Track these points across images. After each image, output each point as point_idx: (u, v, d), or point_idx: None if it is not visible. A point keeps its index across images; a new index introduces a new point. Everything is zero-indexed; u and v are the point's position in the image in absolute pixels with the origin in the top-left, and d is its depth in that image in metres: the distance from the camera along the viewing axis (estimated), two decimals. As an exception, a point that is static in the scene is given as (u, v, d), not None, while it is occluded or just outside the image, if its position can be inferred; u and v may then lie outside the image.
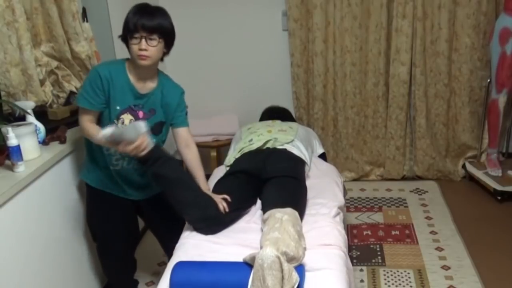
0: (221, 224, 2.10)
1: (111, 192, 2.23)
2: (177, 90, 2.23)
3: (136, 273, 2.66)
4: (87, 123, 2.07)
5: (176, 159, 2.24)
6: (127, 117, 2.10)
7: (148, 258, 2.87)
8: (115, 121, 2.09)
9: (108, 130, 1.96)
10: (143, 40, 1.98)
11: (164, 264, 2.77)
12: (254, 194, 2.33)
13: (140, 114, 2.15)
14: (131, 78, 2.09)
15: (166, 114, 2.21)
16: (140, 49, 1.98)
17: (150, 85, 2.13)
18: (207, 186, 2.27)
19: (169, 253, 2.11)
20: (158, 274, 2.70)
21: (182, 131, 2.25)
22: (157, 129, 2.22)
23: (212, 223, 2.08)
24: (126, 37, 2.02)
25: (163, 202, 2.21)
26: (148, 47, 1.99)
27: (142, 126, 2.02)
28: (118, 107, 2.08)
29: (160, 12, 2.05)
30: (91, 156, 2.21)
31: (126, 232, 2.38)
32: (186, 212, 2.10)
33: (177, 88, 2.25)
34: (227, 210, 2.10)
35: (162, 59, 2.13)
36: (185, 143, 2.26)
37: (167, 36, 2.06)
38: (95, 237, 2.38)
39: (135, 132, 2.00)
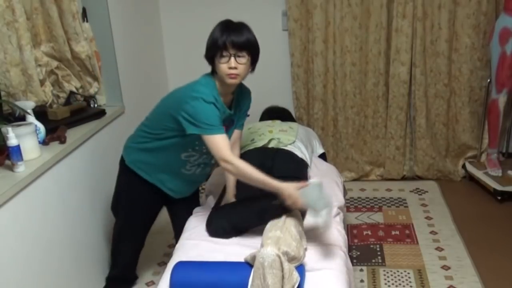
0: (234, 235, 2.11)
1: (155, 183, 2.23)
2: (249, 93, 2.24)
3: (136, 272, 2.67)
4: (236, 157, 1.99)
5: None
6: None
7: (148, 258, 2.87)
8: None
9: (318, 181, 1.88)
10: (232, 58, 1.93)
11: (164, 264, 2.77)
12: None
13: (225, 127, 2.10)
14: (222, 97, 2.05)
15: (238, 119, 2.22)
16: (230, 68, 1.94)
17: (230, 98, 2.11)
18: (234, 191, 2.26)
19: (178, 230, 2.17)
20: (158, 274, 2.70)
21: (235, 132, 2.25)
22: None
23: (230, 235, 2.09)
24: (212, 55, 1.97)
25: (193, 198, 2.32)
26: (238, 65, 1.94)
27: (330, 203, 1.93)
28: None
29: (246, 27, 2.01)
30: (157, 155, 2.16)
31: (149, 219, 2.42)
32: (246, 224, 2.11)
33: (247, 91, 2.24)
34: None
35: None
36: (233, 143, 2.22)
37: (255, 52, 2.02)
38: (117, 215, 2.41)
39: (324, 203, 1.89)
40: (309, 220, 2.02)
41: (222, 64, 1.94)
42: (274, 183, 1.89)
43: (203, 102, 1.93)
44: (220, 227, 2.07)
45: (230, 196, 2.24)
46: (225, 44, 1.92)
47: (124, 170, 2.27)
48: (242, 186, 2.19)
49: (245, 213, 2.10)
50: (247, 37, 1.97)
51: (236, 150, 2.28)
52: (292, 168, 2.40)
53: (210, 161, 2.25)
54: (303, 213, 2.09)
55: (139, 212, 2.34)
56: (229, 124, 2.16)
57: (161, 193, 2.28)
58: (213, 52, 1.96)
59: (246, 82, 2.16)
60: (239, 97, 2.16)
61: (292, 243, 1.78)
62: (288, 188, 1.88)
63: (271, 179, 1.90)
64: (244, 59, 1.96)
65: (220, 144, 1.93)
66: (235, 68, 1.94)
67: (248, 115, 2.29)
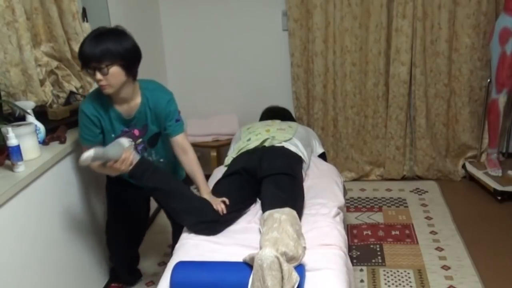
0: (221, 225, 2.11)
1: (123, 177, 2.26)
2: (163, 99, 2.15)
3: (140, 269, 2.69)
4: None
5: (164, 170, 2.25)
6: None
7: (148, 258, 2.87)
8: None
9: (89, 152, 1.92)
10: (96, 71, 1.93)
11: (164, 264, 2.77)
12: (252, 193, 2.33)
13: (136, 132, 2.17)
14: (116, 105, 2.09)
15: (159, 125, 2.20)
16: (97, 80, 1.95)
17: (135, 103, 2.11)
18: (207, 188, 2.27)
19: (177, 240, 2.14)
20: (158, 274, 2.70)
21: (177, 139, 2.22)
22: (154, 142, 2.25)
23: (211, 225, 2.09)
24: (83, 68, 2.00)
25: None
26: (104, 77, 1.93)
27: (125, 141, 2.05)
28: (113, 135, 2.13)
29: (109, 34, 1.95)
30: None
31: (133, 213, 2.45)
32: (183, 219, 2.13)
33: (163, 96, 2.16)
34: (225, 212, 2.11)
35: (134, 78, 2.06)
36: (182, 149, 2.24)
37: (121, 59, 1.95)
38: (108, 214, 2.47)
39: (118, 149, 2.01)
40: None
41: (92, 77, 1.98)
42: (82, 159, 1.96)
43: (79, 111, 2.11)
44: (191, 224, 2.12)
45: (205, 193, 2.24)
46: (83, 58, 1.93)
47: (108, 180, 2.38)
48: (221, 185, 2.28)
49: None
50: (106, 47, 1.92)
51: (190, 153, 2.25)
52: (281, 164, 2.36)
53: (155, 158, 2.29)
54: (299, 213, 2.10)
55: (120, 205, 2.40)
56: (142, 130, 2.18)
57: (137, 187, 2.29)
58: (81, 65, 1.99)
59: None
60: (150, 105, 2.13)
61: (289, 242, 1.77)
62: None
63: None
64: (109, 70, 1.93)
65: (84, 149, 2.04)
66: (101, 80, 1.94)
67: (178, 120, 2.20)
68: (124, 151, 2.02)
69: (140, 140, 2.21)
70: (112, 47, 1.93)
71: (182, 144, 2.23)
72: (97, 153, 1.94)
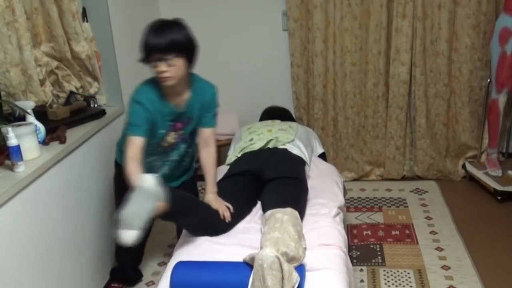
0: (222, 231, 2.11)
1: None
2: (210, 91, 2.19)
3: (141, 270, 2.68)
4: (135, 157, 2.00)
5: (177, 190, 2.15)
6: (170, 136, 2.15)
7: (148, 258, 2.87)
8: (161, 143, 2.14)
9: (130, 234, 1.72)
10: (159, 62, 1.92)
11: (164, 264, 2.77)
12: (254, 196, 2.34)
13: (179, 125, 2.15)
14: (167, 97, 2.06)
15: (199, 117, 2.20)
16: (160, 72, 1.94)
17: (185, 96, 2.11)
18: (214, 187, 2.26)
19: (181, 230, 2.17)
20: (158, 274, 2.70)
21: (206, 131, 2.24)
22: (194, 134, 2.26)
23: (217, 233, 2.10)
24: (143, 60, 1.98)
25: (191, 186, 2.35)
26: (168, 68, 1.93)
27: (157, 191, 1.80)
28: (162, 131, 2.11)
29: (171, 27, 1.96)
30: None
31: None
32: (191, 230, 2.13)
33: (210, 88, 2.19)
34: (229, 219, 2.11)
35: (191, 71, 2.07)
36: (206, 142, 2.25)
37: (185, 51, 1.97)
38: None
39: (152, 198, 1.79)
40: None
41: (154, 69, 1.96)
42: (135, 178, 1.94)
43: (133, 102, 2.03)
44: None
45: (210, 192, 2.22)
46: (149, 49, 1.92)
47: (119, 170, 2.32)
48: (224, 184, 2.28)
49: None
50: (171, 38, 1.92)
51: (211, 148, 2.26)
52: (287, 168, 2.37)
53: (180, 158, 2.29)
54: (301, 214, 2.10)
55: None
56: (186, 122, 2.17)
57: None
58: (143, 56, 1.96)
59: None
60: (199, 97, 2.15)
61: (290, 243, 1.77)
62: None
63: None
64: (173, 61, 1.94)
65: (131, 144, 2.01)
66: (165, 71, 1.93)
67: (215, 113, 2.23)
68: (158, 200, 1.82)
69: (182, 132, 2.21)
70: (178, 38, 1.95)
71: (208, 137, 2.25)
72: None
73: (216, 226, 2.09)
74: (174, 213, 1.96)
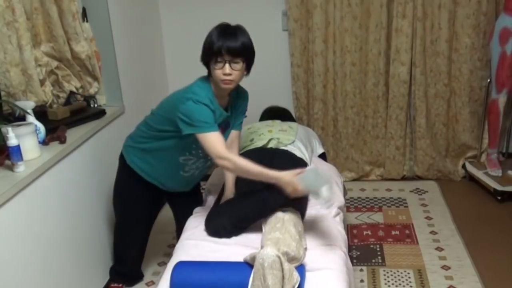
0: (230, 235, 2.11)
1: (153, 182, 2.27)
2: (244, 94, 2.22)
3: (142, 270, 2.69)
4: (230, 150, 2.04)
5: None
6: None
7: (148, 258, 2.87)
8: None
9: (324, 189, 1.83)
10: (227, 64, 1.93)
11: (164, 264, 2.77)
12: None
13: (220, 130, 2.11)
14: (218, 99, 2.06)
15: (233, 119, 2.21)
16: (225, 74, 1.94)
17: (227, 100, 2.13)
18: (233, 189, 2.26)
19: (181, 230, 2.16)
20: (158, 274, 2.70)
21: (233, 132, 2.25)
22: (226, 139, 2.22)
23: (231, 234, 2.09)
24: (208, 60, 1.97)
25: (195, 195, 2.34)
26: (232, 71, 1.94)
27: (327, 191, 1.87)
28: None
29: (242, 31, 1.99)
30: (157, 157, 2.20)
31: (148, 215, 2.45)
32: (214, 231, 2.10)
33: (244, 91, 2.23)
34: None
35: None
36: (231, 142, 2.25)
37: (250, 57, 2.01)
38: (116, 210, 2.45)
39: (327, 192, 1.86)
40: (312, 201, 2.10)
41: (217, 70, 1.94)
42: (272, 173, 1.90)
43: (197, 102, 1.95)
44: (220, 225, 2.07)
45: (229, 193, 2.24)
46: (220, 50, 1.91)
47: (124, 167, 2.31)
48: (242, 183, 2.20)
49: (246, 206, 2.09)
50: (242, 42, 1.95)
51: (235, 149, 2.28)
52: (291, 167, 2.38)
53: (207, 164, 2.28)
54: (302, 214, 2.10)
55: (136, 207, 2.39)
56: (226, 126, 2.17)
57: (160, 190, 2.33)
58: (209, 57, 1.95)
59: (246, 80, 2.16)
60: (235, 99, 2.17)
61: (291, 243, 1.78)
62: (286, 176, 1.89)
63: (269, 170, 1.91)
64: (239, 65, 1.95)
65: (215, 141, 1.93)
66: (230, 74, 1.94)
67: (246, 116, 2.29)
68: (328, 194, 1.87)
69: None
70: (248, 44, 1.98)
71: (234, 139, 2.26)
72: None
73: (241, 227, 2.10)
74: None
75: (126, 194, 2.39)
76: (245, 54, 1.96)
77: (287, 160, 2.45)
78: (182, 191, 2.40)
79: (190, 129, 1.95)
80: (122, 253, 2.58)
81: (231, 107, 2.16)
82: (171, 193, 2.40)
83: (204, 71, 2.10)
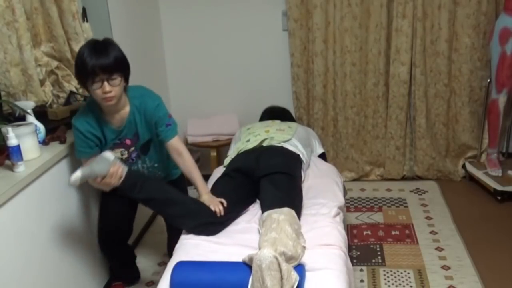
0: (218, 226, 2.11)
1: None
2: (151, 105, 2.16)
3: (138, 269, 2.69)
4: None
5: (154, 178, 2.28)
6: (119, 153, 2.18)
7: (148, 258, 2.87)
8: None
9: (76, 174, 1.95)
10: (105, 82, 1.93)
11: (164, 264, 2.77)
12: (250, 193, 2.34)
13: (128, 141, 2.19)
14: (108, 117, 2.10)
15: (150, 131, 2.21)
16: (105, 92, 1.94)
17: (124, 112, 2.13)
18: (206, 188, 2.27)
19: (172, 247, 2.13)
20: (158, 274, 2.70)
21: (171, 143, 2.23)
22: (146, 149, 2.27)
23: (209, 227, 2.09)
24: (84, 81, 1.96)
25: (175, 185, 2.31)
26: (112, 88, 1.95)
27: (109, 155, 2.04)
28: (109, 148, 2.16)
29: (111, 46, 1.98)
30: None
31: (123, 203, 2.40)
32: (180, 223, 2.14)
33: (151, 102, 2.17)
34: (222, 214, 2.12)
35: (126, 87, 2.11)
36: (177, 152, 2.24)
37: (125, 69, 2.01)
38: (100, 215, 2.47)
39: (104, 164, 2.01)
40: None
41: (97, 90, 1.95)
42: (71, 181, 1.99)
43: (73, 129, 2.11)
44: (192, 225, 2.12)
45: (203, 193, 2.23)
46: (94, 70, 1.90)
47: None
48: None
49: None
50: (114, 57, 1.94)
51: (184, 155, 2.25)
52: (278, 162, 2.37)
53: (146, 164, 2.30)
54: (297, 213, 2.09)
55: (114, 198, 2.35)
56: (134, 137, 2.20)
57: None
58: (85, 78, 1.94)
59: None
60: (140, 111, 2.15)
61: (288, 242, 1.77)
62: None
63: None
64: (117, 81, 1.96)
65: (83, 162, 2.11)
66: (110, 91, 1.94)
67: (169, 125, 2.20)
68: (111, 165, 2.02)
69: (132, 148, 2.24)
70: (120, 57, 1.97)
71: (176, 147, 2.24)
72: (84, 173, 1.97)
73: (208, 219, 2.09)
74: (135, 186, 2.06)
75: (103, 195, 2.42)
76: (121, 68, 1.96)
77: (276, 153, 2.45)
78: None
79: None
80: (105, 247, 2.53)
81: (131, 120, 2.15)
82: None
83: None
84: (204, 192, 2.23)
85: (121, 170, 2.05)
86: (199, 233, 2.09)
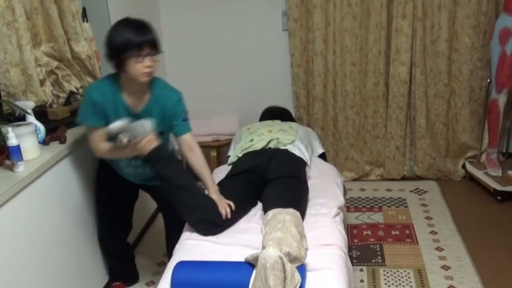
0: (220, 227, 2.11)
1: (118, 173, 2.33)
2: (171, 99, 2.17)
3: (137, 270, 2.68)
4: (100, 143, 2.10)
5: (179, 161, 2.27)
6: (124, 136, 2.12)
7: (148, 258, 2.87)
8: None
9: (117, 123, 1.97)
10: (148, 57, 1.97)
11: (164, 264, 2.77)
12: (255, 195, 2.34)
13: None
14: (125, 96, 2.09)
15: (164, 123, 2.20)
16: (147, 67, 1.97)
17: (144, 98, 2.13)
18: (215, 186, 2.26)
19: (171, 246, 2.13)
20: (158, 274, 2.70)
21: (184, 138, 2.23)
22: None
23: (210, 226, 2.09)
24: (125, 56, 1.96)
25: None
26: (152, 63, 1.99)
27: (149, 123, 2.03)
28: None
29: (150, 25, 2.03)
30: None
31: (118, 205, 2.46)
32: (185, 213, 2.12)
33: (172, 95, 2.18)
34: (229, 217, 2.11)
35: None
36: (189, 148, 2.25)
37: (160, 49, 2.06)
38: (98, 214, 2.48)
39: (143, 128, 2.01)
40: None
41: (138, 65, 1.97)
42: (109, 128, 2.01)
43: (85, 95, 2.11)
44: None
45: (212, 191, 2.23)
46: (141, 45, 1.94)
47: (100, 163, 2.40)
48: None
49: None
50: (155, 35, 2.01)
51: (196, 151, 2.26)
52: (289, 168, 2.39)
53: (136, 163, 2.29)
54: (302, 214, 2.10)
55: (103, 194, 2.42)
56: None
57: (128, 181, 2.36)
58: (128, 52, 1.95)
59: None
60: (159, 101, 2.15)
61: (293, 243, 1.77)
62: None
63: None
64: (157, 57, 2.01)
65: (89, 131, 2.12)
66: (151, 66, 1.99)
67: (185, 120, 2.22)
68: (149, 132, 2.03)
69: None
70: (158, 36, 2.03)
71: (190, 143, 2.24)
72: (124, 125, 1.97)
73: (212, 218, 2.09)
74: (159, 161, 2.06)
75: (100, 183, 2.44)
76: (159, 46, 2.03)
77: (285, 162, 2.46)
78: (152, 184, 2.37)
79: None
80: (105, 246, 2.55)
81: (150, 108, 2.15)
82: (147, 186, 2.40)
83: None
84: (213, 190, 2.22)
85: (153, 140, 2.05)
86: (199, 230, 2.08)
